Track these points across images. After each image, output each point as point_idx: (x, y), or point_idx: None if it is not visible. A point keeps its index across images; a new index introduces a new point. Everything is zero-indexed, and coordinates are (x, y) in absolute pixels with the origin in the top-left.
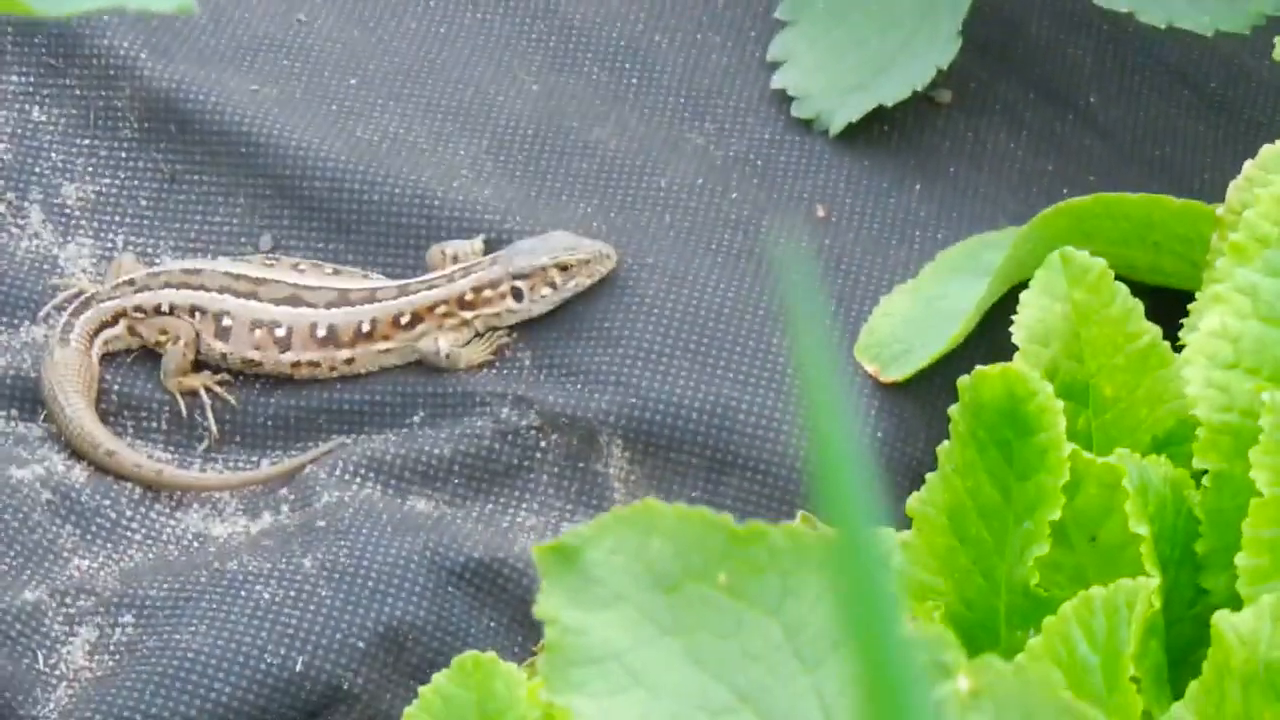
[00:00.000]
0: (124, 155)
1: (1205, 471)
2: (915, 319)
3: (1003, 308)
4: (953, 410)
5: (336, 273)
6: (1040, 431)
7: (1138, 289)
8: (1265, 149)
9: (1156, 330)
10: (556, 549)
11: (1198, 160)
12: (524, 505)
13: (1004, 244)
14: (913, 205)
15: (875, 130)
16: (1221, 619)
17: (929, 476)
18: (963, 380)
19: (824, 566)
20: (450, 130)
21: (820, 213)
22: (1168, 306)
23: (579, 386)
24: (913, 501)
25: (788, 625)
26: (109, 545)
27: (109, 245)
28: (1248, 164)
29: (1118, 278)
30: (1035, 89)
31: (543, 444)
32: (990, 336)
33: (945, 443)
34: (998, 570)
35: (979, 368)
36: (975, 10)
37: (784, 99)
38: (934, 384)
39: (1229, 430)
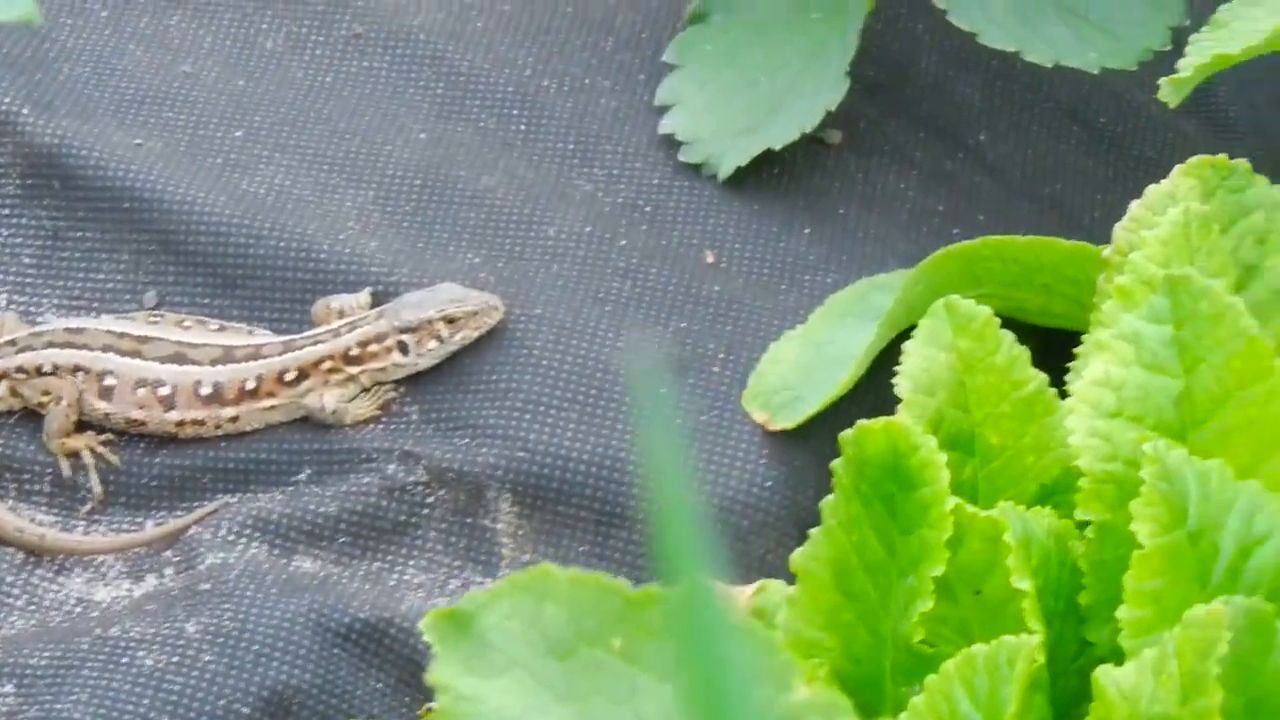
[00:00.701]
0: (6, 212)
1: (1089, 522)
2: (804, 365)
3: (895, 351)
4: (836, 464)
5: (222, 329)
6: (923, 486)
7: (1029, 330)
8: (1151, 189)
9: (1042, 378)
10: (450, 615)
11: (1088, 197)
12: (411, 563)
13: (894, 287)
14: (802, 249)
15: (764, 173)
16: (1103, 673)
17: (813, 531)
18: (845, 434)
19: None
20: (337, 182)
21: (710, 258)
22: (1061, 347)
23: (467, 441)
24: (797, 556)
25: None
26: None
27: None
28: (1134, 204)
29: (1007, 320)
30: (925, 127)
31: (430, 500)
32: (881, 381)
33: (829, 497)
34: (883, 625)
35: (861, 422)
36: (863, 50)
37: (673, 143)
38: (825, 431)
39: (1112, 480)
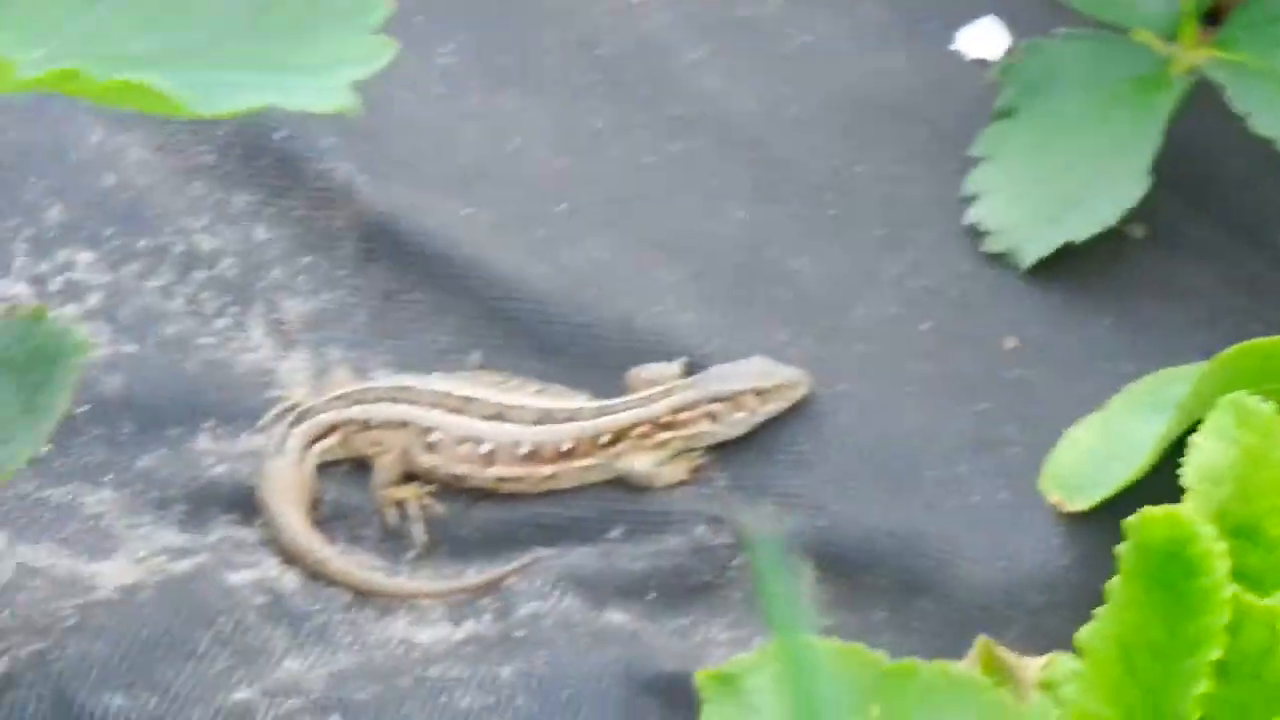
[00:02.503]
0: (343, 274)
1: None
2: (1100, 451)
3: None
4: (1120, 549)
5: (542, 392)
6: (1203, 575)
7: None
8: None
9: None
10: (719, 676)
11: None
12: (717, 620)
13: (1189, 379)
14: (1101, 338)
15: (1066, 264)
16: None
17: (1097, 611)
18: (1129, 521)
19: (975, 703)
20: (655, 257)
21: (1010, 344)
22: None
23: (772, 508)
24: (1083, 634)
25: None
26: (318, 648)
27: (325, 360)
28: None
29: None
30: (1229, 226)
31: (735, 562)
32: (1173, 469)
33: (1114, 578)
34: (1164, 704)
35: (1144, 509)
36: (1169, 147)
37: (977, 233)
38: (1118, 514)
39: None
